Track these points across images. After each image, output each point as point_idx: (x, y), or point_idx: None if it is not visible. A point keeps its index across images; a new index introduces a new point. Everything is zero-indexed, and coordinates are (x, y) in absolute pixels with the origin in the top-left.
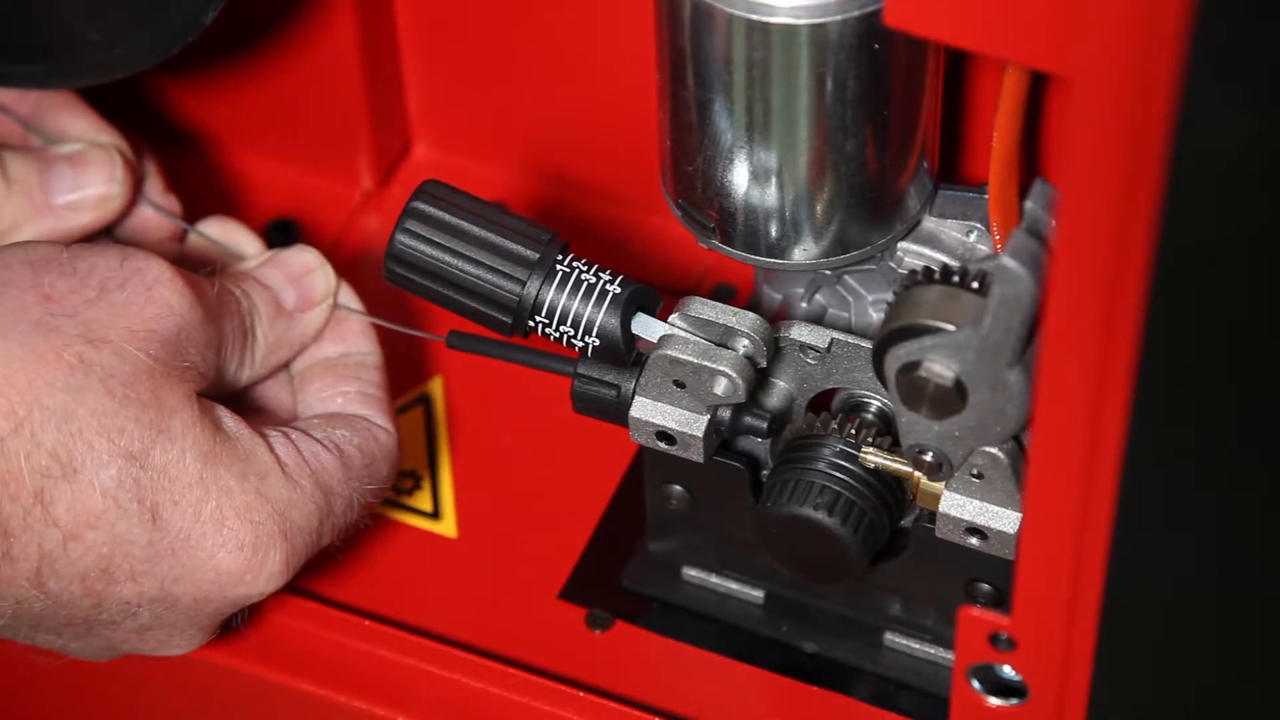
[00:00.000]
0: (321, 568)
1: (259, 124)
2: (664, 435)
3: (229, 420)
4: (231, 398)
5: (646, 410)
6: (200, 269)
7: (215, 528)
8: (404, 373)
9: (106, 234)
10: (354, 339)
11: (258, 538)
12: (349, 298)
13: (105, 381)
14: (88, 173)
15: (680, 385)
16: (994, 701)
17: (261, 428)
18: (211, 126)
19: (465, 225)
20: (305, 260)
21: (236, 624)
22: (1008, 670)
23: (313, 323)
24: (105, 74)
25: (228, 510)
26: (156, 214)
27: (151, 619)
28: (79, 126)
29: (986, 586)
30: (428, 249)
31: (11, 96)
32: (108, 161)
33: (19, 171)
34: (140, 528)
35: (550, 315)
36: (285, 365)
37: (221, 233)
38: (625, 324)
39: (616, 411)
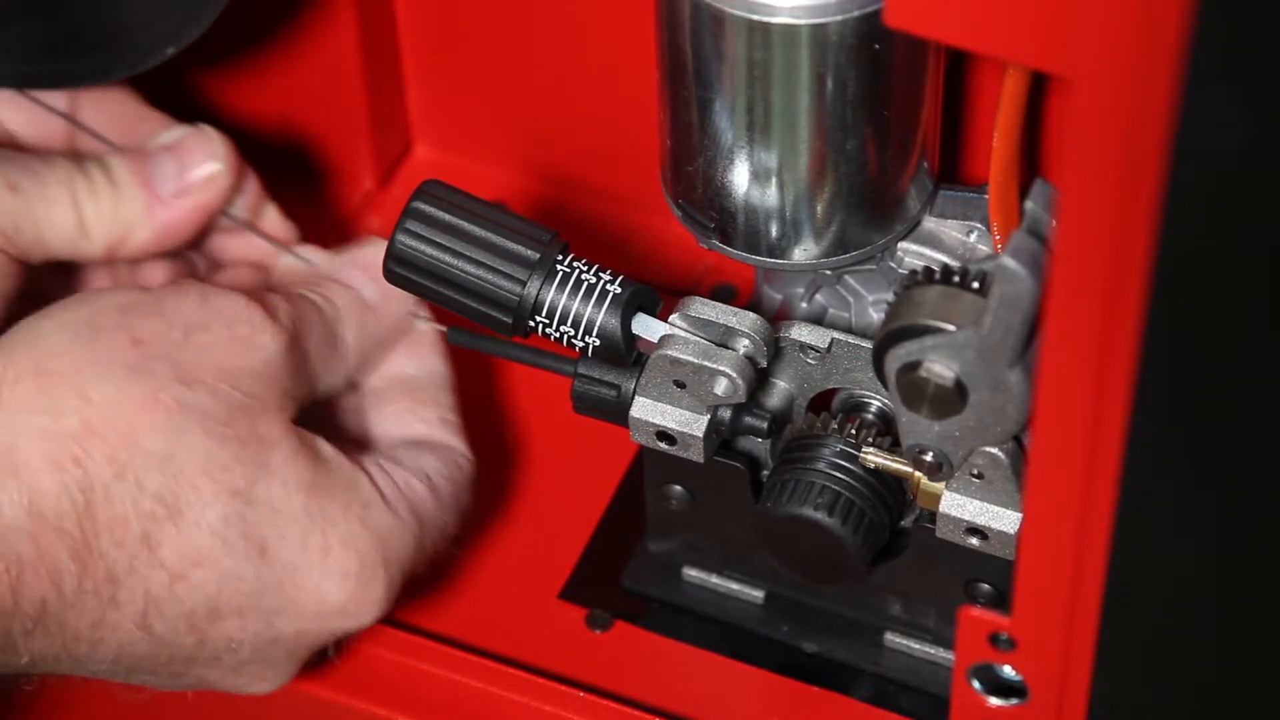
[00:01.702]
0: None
1: (259, 124)
2: (664, 435)
3: (327, 450)
4: (313, 409)
5: (647, 410)
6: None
7: (321, 558)
8: None
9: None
10: (428, 354)
11: (362, 567)
12: (419, 311)
13: (203, 422)
14: (190, 155)
15: (680, 385)
16: (994, 701)
17: (357, 457)
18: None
19: (465, 225)
20: (381, 254)
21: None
22: (1008, 670)
23: (398, 315)
24: (105, 75)
25: (333, 540)
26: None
27: (251, 654)
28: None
29: (986, 586)
30: (428, 249)
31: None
32: (205, 141)
33: (122, 173)
34: (247, 563)
35: (550, 315)
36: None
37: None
38: (625, 324)
39: (616, 411)
